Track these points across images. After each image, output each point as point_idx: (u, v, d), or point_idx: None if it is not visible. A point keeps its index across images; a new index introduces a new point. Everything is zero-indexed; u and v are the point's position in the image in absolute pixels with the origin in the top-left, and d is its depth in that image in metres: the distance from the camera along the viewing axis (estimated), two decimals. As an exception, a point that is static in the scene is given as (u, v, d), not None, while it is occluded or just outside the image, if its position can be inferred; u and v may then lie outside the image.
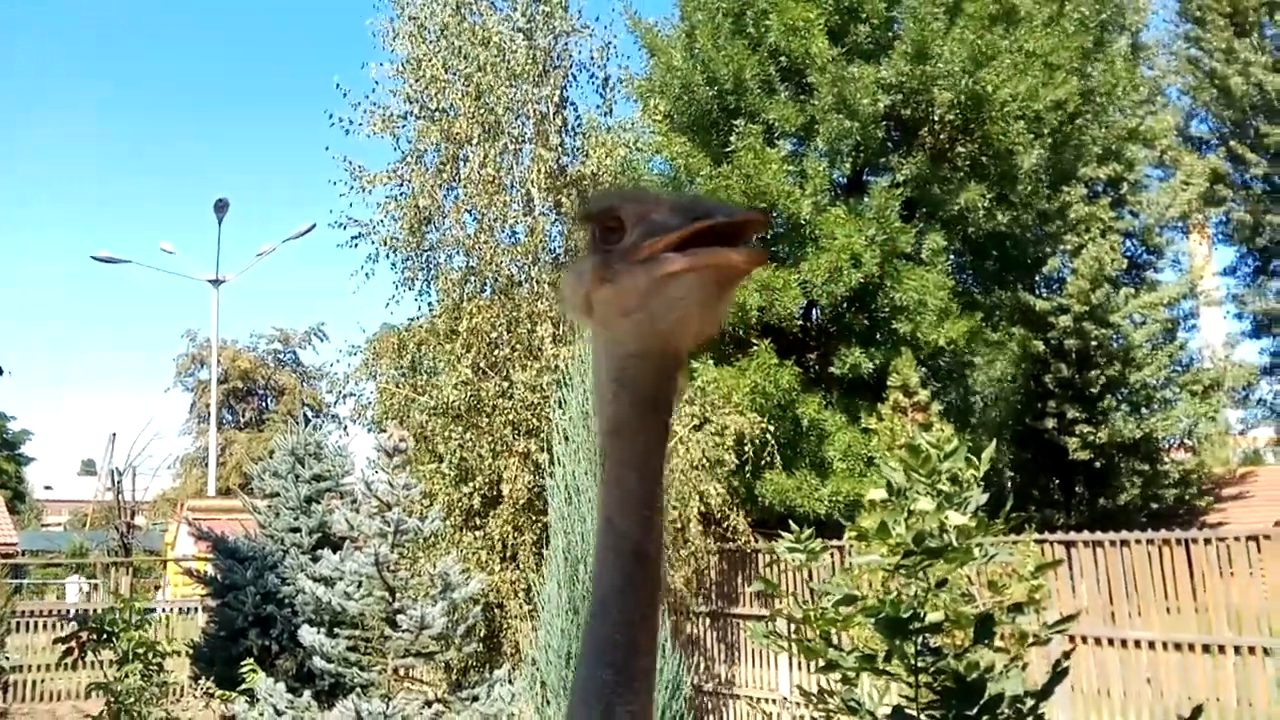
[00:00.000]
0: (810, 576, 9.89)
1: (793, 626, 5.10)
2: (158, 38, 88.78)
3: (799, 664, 11.70)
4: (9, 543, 28.58)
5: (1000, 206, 14.10)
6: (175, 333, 61.65)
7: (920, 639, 3.95)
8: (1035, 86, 13.40)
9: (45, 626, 15.96)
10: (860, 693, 4.35)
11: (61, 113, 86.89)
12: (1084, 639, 9.45)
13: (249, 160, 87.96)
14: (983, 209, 13.57)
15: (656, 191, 1.06)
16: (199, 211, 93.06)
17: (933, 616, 3.98)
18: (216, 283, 30.96)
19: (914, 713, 3.92)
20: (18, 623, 15.03)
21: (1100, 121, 16.46)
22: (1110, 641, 9.62)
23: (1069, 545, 10.14)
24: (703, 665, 12.53)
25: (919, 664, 3.93)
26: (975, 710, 3.79)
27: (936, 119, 13.45)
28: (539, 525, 10.37)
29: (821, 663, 4.39)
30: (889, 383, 9.96)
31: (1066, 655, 4.25)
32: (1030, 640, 4.40)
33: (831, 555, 6.06)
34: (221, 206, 31.42)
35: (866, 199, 13.26)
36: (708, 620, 12.80)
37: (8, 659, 14.11)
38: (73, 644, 10.76)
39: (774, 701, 11.90)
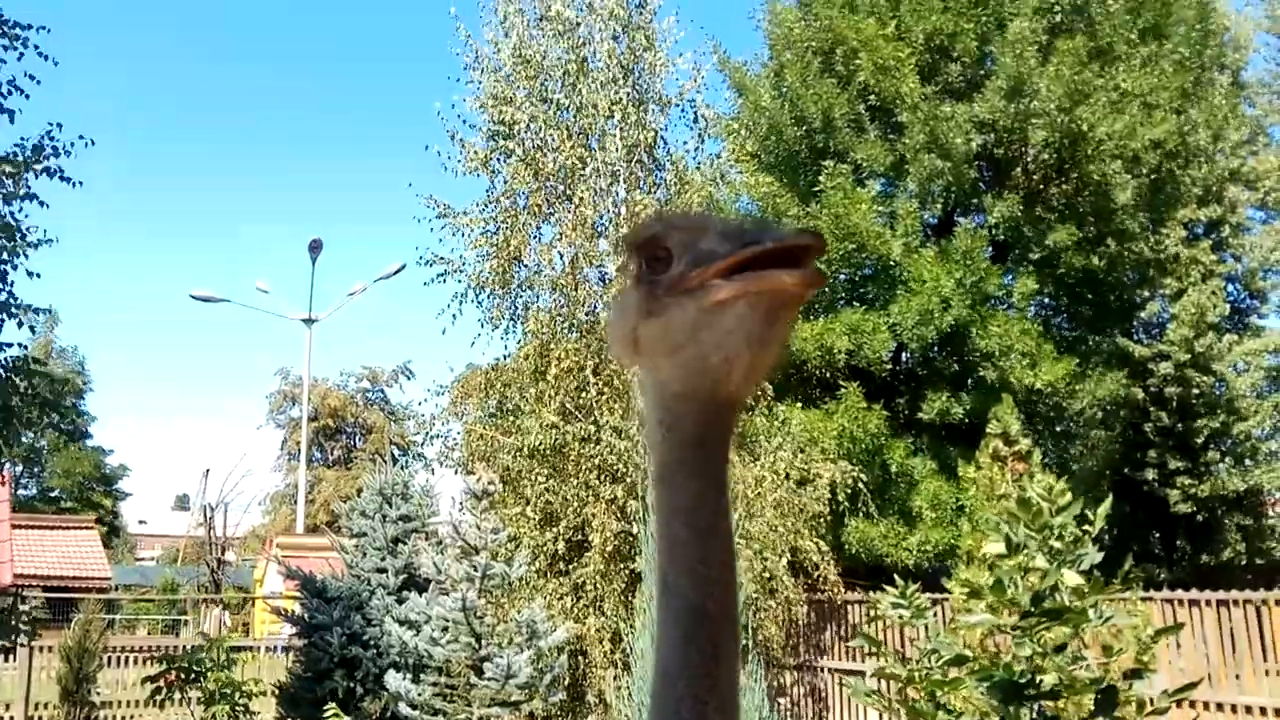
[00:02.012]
0: (901, 631, 9.63)
1: (893, 684, 4.90)
2: (249, 78, 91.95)
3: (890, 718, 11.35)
4: (103, 577, 28.79)
5: (1095, 248, 13.70)
6: (269, 370, 63.22)
7: (1036, 706, 3.77)
8: (1133, 125, 13.04)
9: (136, 662, 16.11)
10: None
11: (162, 153, 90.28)
12: (1190, 704, 8.99)
13: (342, 201, 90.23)
14: (1076, 250, 13.19)
15: (706, 217, 0.91)
16: (293, 251, 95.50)
17: (1048, 681, 3.77)
18: (309, 321, 31.58)
19: None
20: (110, 658, 15.09)
21: (1200, 162, 15.95)
22: (1215, 706, 9.13)
23: (1167, 604, 9.68)
24: (790, 716, 12.22)
25: None
26: None
27: (1030, 158, 13.18)
28: (626, 572, 10.21)
29: None
30: (988, 430, 9.64)
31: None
32: (1149, 710, 4.14)
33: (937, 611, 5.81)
34: (316, 246, 32.08)
35: (954, 240, 13.01)
36: (795, 671, 12.50)
37: (99, 694, 14.13)
38: (160, 683, 10.81)
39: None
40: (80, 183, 8.99)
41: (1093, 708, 3.83)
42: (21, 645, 12.80)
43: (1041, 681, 3.78)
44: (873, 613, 10.97)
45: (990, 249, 13.70)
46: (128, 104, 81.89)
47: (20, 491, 38.86)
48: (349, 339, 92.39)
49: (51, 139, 8.77)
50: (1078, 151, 13.03)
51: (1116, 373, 15.20)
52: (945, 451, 13.01)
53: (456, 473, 13.80)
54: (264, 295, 32.64)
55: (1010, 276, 13.69)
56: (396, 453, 34.57)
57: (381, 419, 43.00)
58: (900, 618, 4.66)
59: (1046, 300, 15.26)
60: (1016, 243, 13.67)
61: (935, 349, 13.68)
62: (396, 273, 29.60)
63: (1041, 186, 13.68)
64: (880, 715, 11.06)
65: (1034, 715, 3.79)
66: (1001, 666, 3.85)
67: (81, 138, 8.97)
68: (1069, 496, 4.25)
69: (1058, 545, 4.10)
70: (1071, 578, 3.93)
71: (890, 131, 13.55)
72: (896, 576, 4.77)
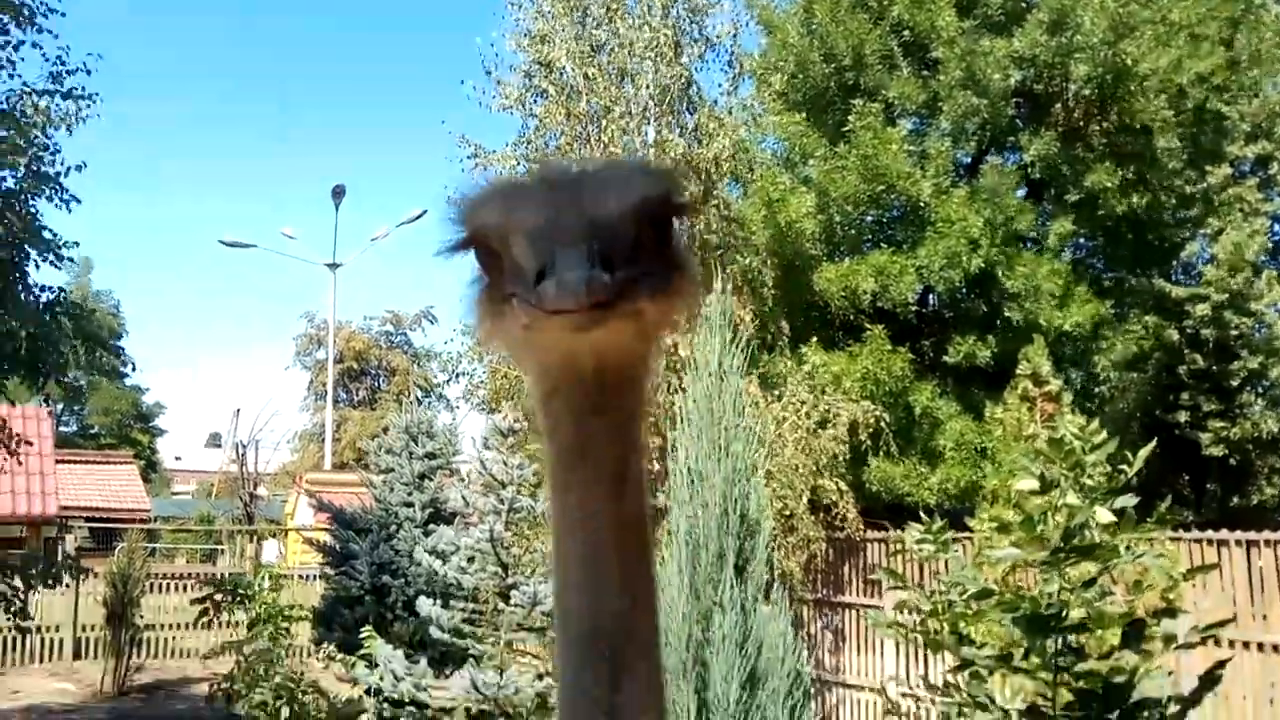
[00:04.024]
0: (921, 567, 9.65)
1: (915, 618, 4.92)
2: (276, 28, 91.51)
3: (908, 654, 11.43)
4: (143, 509, 29.96)
5: (1136, 188, 13.40)
6: (295, 313, 63.70)
7: (1062, 638, 3.81)
8: (1179, 59, 12.67)
9: (175, 589, 17.13)
10: (989, 688, 4.15)
11: (196, 100, 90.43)
12: (1215, 641, 8.97)
13: (365, 147, 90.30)
14: (1116, 190, 12.92)
15: (519, 190, 0.78)
16: (318, 197, 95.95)
17: (1075, 614, 3.84)
18: (334, 266, 31.90)
19: (1050, 712, 3.79)
20: (151, 584, 15.76)
21: (1249, 96, 15.51)
22: (1242, 645, 9.10)
23: (1194, 544, 9.61)
24: (808, 652, 12.34)
25: (1059, 663, 3.78)
26: (1117, 714, 3.70)
27: (1071, 94, 12.85)
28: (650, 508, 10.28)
29: (948, 656, 4.21)
30: (1018, 371, 9.54)
31: (1222, 664, 4.00)
32: (1176, 644, 4.13)
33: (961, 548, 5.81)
34: (339, 192, 32.41)
35: (981, 180, 12.77)
36: (814, 607, 12.62)
37: (142, 618, 14.84)
38: (207, 605, 11.35)
39: (879, 690, 11.68)
40: (97, 95, 8.90)
41: (1118, 641, 3.87)
42: (67, 586, 13.45)
43: (1068, 615, 3.80)
44: (895, 548, 11.04)
45: (1025, 188, 13.45)
46: (156, 50, 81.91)
47: (61, 429, 39.63)
48: (373, 283, 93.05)
49: (62, 62, 8.77)
50: (1120, 87, 12.67)
51: (1151, 315, 14.99)
52: (970, 394, 12.92)
53: (480, 411, 13.95)
54: (290, 241, 32.96)
55: (1045, 217, 13.45)
56: (420, 394, 34.93)
57: (405, 361, 43.48)
58: (925, 552, 4.67)
59: (1083, 241, 15.02)
60: (1053, 182, 13.41)
61: (963, 291, 13.51)
62: (418, 218, 29.84)
63: (1081, 123, 13.34)
64: (898, 647, 11.19)
65: (1059, 647, 3.79)
66: (1028, 600, 3.87)
67: (91, 53, 8.96)
68: (1104, 435, 4.22)
69: (1090, 483, 4.05)
70: (1104, 515, 3.94)
71: (924, 68, 13.22)
72: (922, 514, 4.76)
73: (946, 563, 4.74)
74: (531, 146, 12.18)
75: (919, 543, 4.68)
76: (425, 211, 29.51)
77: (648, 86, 11.67)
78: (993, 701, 3.99)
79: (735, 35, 12.31)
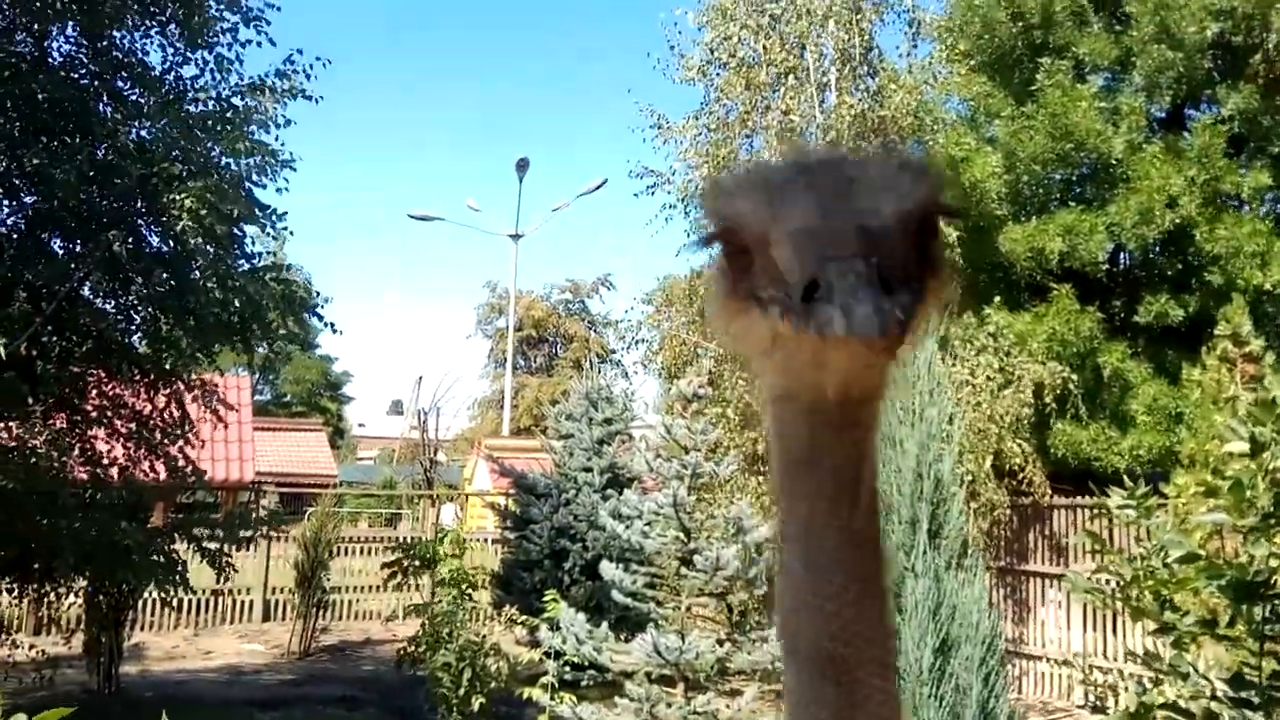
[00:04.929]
0: (1112, 535, 9.50)
1: (1113, 585, 4.96)
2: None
3: (1095, 623, 11.29)
4: (331, 474, 30.80)
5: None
6: (477, 283, 65.49)
7: (1270, 606, 3.69)
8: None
9: (360, 552, 17.37)
10: (1190, 658, 4.20)
11: (390, 76, 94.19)
12: None
13: (548, 122, 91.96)
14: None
15: (783, 183, 0.67)
16: (502, 171, 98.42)
17: None
18: (516, 237, 32.90)
19: (1257, 681, 3.69)
20: (338, 548, 15.82)
21: None
22: None
23: None
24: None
25: (1267, 632, 3.69)
26: None
27: (1271, 45, 12.23)
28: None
29: (1136, 628, 4.23)
30: (1217, 331, 9.25)
31: None
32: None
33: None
34: (523, 165, 33.20)
35: (1188, 135, 12.32)
36: (997, 575, 12.54)
37: (329, 580, 14.92)
38: (396, 569, 11.75)
39: (1066, 662, 11.56)
40: (321, 98, 9.51)
41: None
42: (262, 537, 13.71)
43: (1277, 582, 3.70)
44: (1094, 513, 10.87)
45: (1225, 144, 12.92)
46: (347, 26, 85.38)
47: (256, 398, 41.91)
48: (553, 253, 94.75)
49: (292, 63, 9.30)
50: (1326, 35, 12.03)
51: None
52: (1163, 355, 12.59)
53: (658, 377, 14.27)
54: (474, 213, 33.98)
55: (1245, 172, 12.88)
56: (596, 361, 35.66)
57: (582, 329, 44.10)
58: (1127, 517, 4.70)
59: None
60: (1252, 135, 12.82)
61: (1156, 249, 13.11)
62: (599, 188, 30.51)
63: (1282, 75, 12.71)
64: (1085, 618, 11.04)
65: (1266, 614, 3.68)
66: (1235, 566, 3.80)
67: (319, 58, 9.44)
68: None
69: None
70: None
71: (1116, 23, 12.86)
72: (1125, 477, 4.81)
73: (1148, 529, 4.75)
74: (713, 116, 12.47)
75: (1121, 508, 4.73)
76: (605, 181, 30.28)
77: (828, 53, 11.76)
78: (1195, 669, 3.95)
79: None
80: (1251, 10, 12.01)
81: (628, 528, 8.79)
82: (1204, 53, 12.29)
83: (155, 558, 8.90)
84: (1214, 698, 3.92)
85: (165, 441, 9.44)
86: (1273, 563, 3.80)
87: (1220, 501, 4.01)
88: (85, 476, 9.10)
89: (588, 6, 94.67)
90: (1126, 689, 9.01)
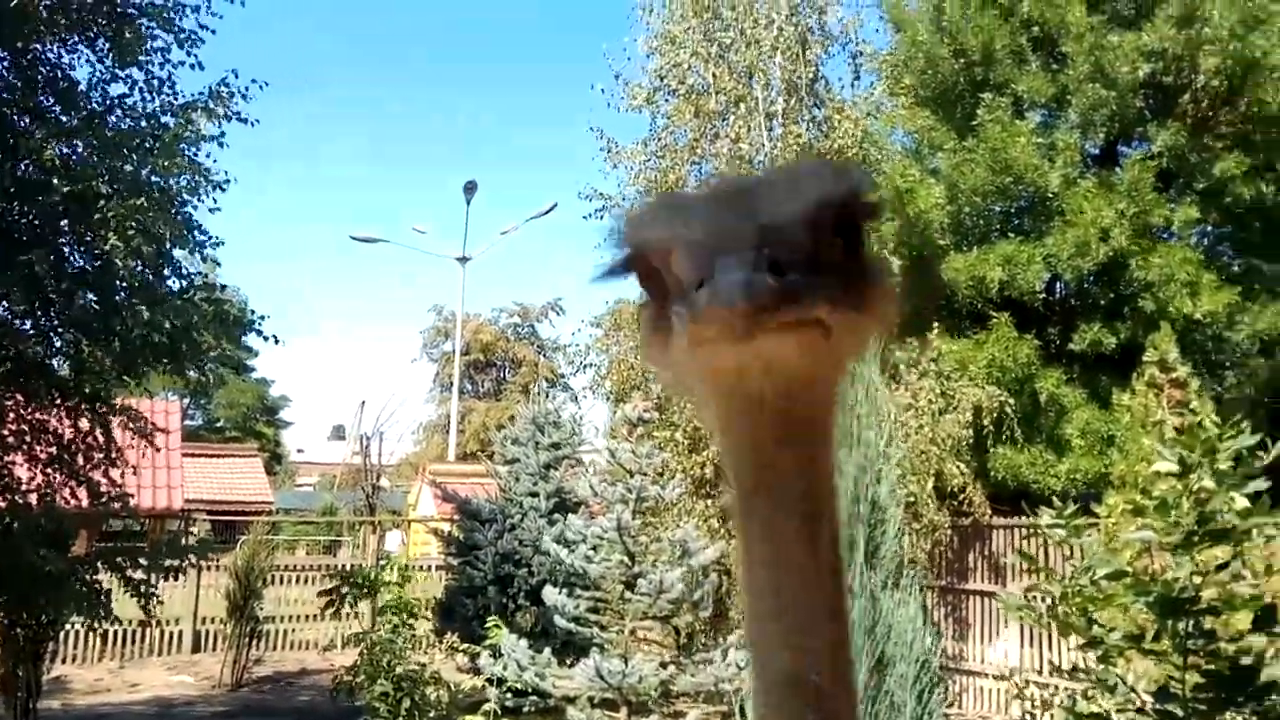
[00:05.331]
0: (1046, 553, 9.73)
1: (1045, 603, 5.12)
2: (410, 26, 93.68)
3: (1032, 641, 11.55)
4: (267, 501, 30.11)
5: (1265, 176, 13.23)
6: (423, 307, 64.90)
7: (1193, 621, 3.87)
8: (1312, 49, 12.45)
9: (297, 580, 16.96)
10: (1119, 671, 4.26)
11: (335, 95, 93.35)
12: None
13: (496, 146, 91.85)
14: (1244, 178, 12.80)
15: (683, 204, 0.69)
16: (449, 193, 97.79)
17: (1207, 596, 3.91)
18: (463, 260, 32.74)
19: (1180, 694, 3.85)
20: (272, 576, 15.54)
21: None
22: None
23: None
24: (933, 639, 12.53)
25: (1190, 646, 3.85)
26: (1244, 696, 3.74)
27: (1199, 85, 12.76)
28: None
29: (1075, 642, 4.37)
30: (1145, 358, 9.60)
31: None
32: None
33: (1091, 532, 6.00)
34: (470, 188, 33.18)
35: (1119, 171, 12.77)
36: (939, 594, 12.79)
37: (263, 610, 14.62)
38: (333, 596, 11.58)
39: (1003, 677, 11.80)
40: (257, 121, 9.29)
41: (1248, 625, 3.95)
42: (191, 565, 13.13)
43: (1200, 598, 3.87)
44: (1026, 534, 11.14)
45: (1154, 178, 13.39)
46: (290, 46, 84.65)
47: (186, 423, 40.82)
48: (501, 277, 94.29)
49: (226, 85, 9.02)
50: (1250, 79, 12.57)
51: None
52: (1096, 381, 12.97)
53: (606, 401, 14.35)
54: (420, 235, 33.74)
55: (1174, 206, 13.36)
56: (545, 385, 35.52)
57: (531, 353, 44.00)
58: (1057, 536, 4.87)
59: (1210, 228, 14.82)
60: (1180, 171, 13.32)
61: (1090, 279, 13.54)
62: (548, 212, 30.45)
63: (1210, 114, 13.25)
64: (1022, 635, 11.28)
65: (1190, 629, 3.83)
66: (1160, 582, 3.96)
67: (255, 81, 9.16)
68: (1244, 426, 4.32)
69: (1224, 468, 4.10)
70: (1239, 500, 4.00)
71: (1053, 62, 13.33)
72: (1055, 499, 4.99)
73: (1077, 549, 4.91)
74: (660, 143, 12.66)
75: (1051, 527, 4.91)
76: (555, 205, 30.32)
77: (775, 84, 12.03)
78: (1122, 682, 4.09)
79: (859, 28, 12.59)
80: (1181, 52, 12.51)
81: (572, 552, 8.80)
82: (1136, 92, 12.75)
83: (78, 587, 8.57)
84: (1141, 710, 4.08)
85: (88, 467, 9.02)
86: (1196, 579, 3.96)
87: (1148, 520, 4.09)
88: (2, 504, 8.67)
89: (538, 30, 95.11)
90: (1062, 703, 9.25)
